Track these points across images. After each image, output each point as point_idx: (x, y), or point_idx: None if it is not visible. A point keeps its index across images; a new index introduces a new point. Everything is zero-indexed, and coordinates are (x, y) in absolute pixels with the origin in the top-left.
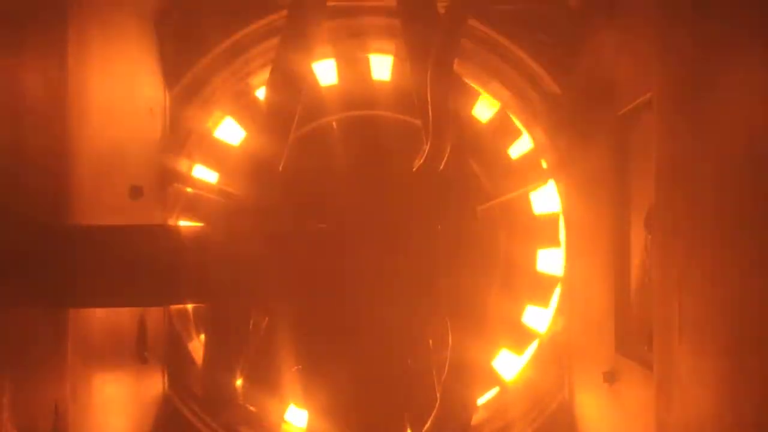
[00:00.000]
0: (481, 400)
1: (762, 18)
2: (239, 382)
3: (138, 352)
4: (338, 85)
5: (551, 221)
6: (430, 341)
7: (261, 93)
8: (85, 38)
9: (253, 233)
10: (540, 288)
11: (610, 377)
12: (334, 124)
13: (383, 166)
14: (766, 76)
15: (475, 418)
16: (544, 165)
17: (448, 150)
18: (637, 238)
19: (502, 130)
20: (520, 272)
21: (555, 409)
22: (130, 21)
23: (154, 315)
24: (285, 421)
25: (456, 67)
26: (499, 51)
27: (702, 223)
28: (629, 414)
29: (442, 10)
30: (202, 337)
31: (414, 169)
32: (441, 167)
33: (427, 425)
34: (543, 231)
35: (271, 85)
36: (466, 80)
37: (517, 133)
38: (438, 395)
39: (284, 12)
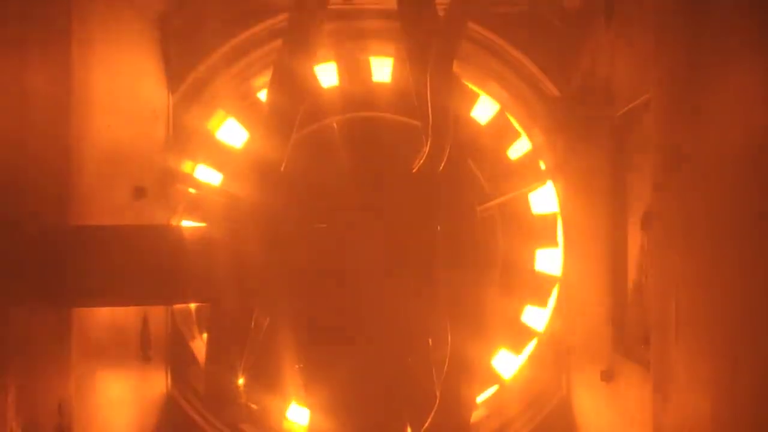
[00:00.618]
0: (480, 399)
1: (757, 20)
2: (241, 381)
3: (141, 350)
4: (339, 86)
5: (549, 222)
6: (430, 340)
7: (263, 95)
8: (89, 41)
9: (255, 233)
10: (538, 288)
11: (608, 376)
12: (335, 125)
13: (383, 167)
14: (761, 77)
15: (474, 416)
16: (543, 166)
17: (448, 151)
18: (635, 239)
19: (501, 131)
20: (519, 272)
21: (553, 408)
22: (133, 23)
23: (157, 314)
24: (287, 419)
25: (455, 69)
26: (498, 53)
27: (698, 223)
28: (626, 412)
29: (441, 13)
30: (205, 335)
31: (414, 170)
32: (440, 168)
33: (427, 423)
34: (541, 231)
35: (273, 86)
36: (466, 82)
37: (515, 135)
38: (437, 393)
39: (285, 15)
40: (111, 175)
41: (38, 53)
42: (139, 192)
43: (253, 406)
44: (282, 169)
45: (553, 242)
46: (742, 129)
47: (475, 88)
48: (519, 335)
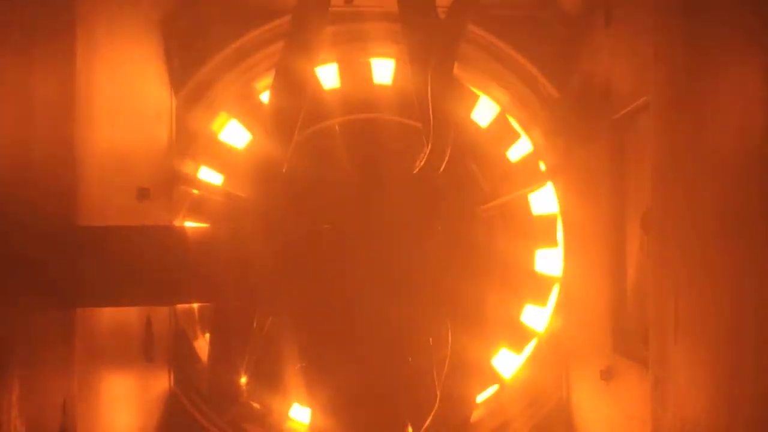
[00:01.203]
0: (481, 398)
1: (753, 24)
2: (244, 380)
3: (145, 350)
4: (341, 88)
5: (549, 222)
6: (431, 340)
7: (265, 96)
8: (93, 43)
9: (258, 234)
10: (538, 288)
11: (607, 375)
12: (336, 126)
13: (385, 168)
14: (758, 79)
15: (475, 415)
16: (543, 167)
17: (449, 152)
18: (634, 239)
19: (501, 132)
20: (519, 272)
21: (553, 407)
22: (137, 26)
23: (160, 314)
24: (289, 418)
25: (456, 71)
26: (499, 55)
27: (697, 223)
28: (626, 411)
29: (442, 16)
30: (208, 335)
31: (415, 171)
32: (441, 169)
33: (428, 422)
34: (541, 232)
35: (275, 88)
36: (466, 84)
37: (515, 136)
38: (438, 393)
39: (288, 17)
40: (115, 176)
41: (43, 58)
42: (143, 193)
43: (256, 405)
44: (284, 170)
45: (552, 242)
46: (740, 130)
47: (475, 90)
48: (519, 335)
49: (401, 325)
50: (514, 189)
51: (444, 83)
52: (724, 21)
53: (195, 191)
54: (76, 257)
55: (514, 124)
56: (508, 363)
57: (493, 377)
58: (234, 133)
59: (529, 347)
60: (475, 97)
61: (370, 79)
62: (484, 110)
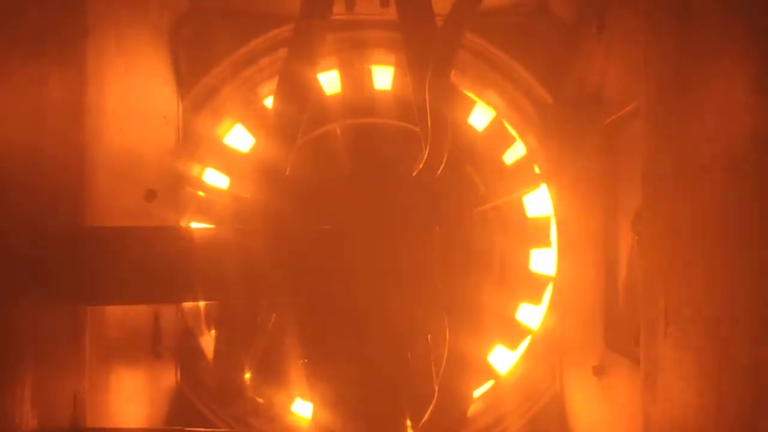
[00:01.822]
0: (477, 393)
1: (740, 32)
2: (248, 376)
3: (152, 346)
4: (342, 94)
5: (543, 223)
6: (429, 337)
7: (269, 101)
8: (103, 50)
9: (261, 234)
10: (533, 286)
11: (599, 371)
12: (338, 130)
13: (384, 171)
14: (743, 87)
15: (471, 410)
16: (537, 170)
17: (446, 156)
18: (625, 239)
19: (497, 137)
20: (514, 271)
21: (547, 401)
22: (145, 34)
23: (167, 312)
24: (291, 412)
25: (453, 77)
26: (494, 62)
27: (686, 224)
28: (617, 406)
29: (440, 24)
30: (213, 332)
31: (413, 174)
32: (439, 172)
33: (426, 416)
34: (535, 232)
35: (279, 94)
36: (463, 90)
37: (510, 140)
38: (436, 388)
39: (291, 25)
40: (123, 179)
41: (55, 63)
42: (151, 194)
43: (259, 400)
44: (287, 172)
45: (547, 243)
46: (726, 135)
47: (472, 96)
48: (514, 332)
49: (401, 323)
50: (509, 191)
51: (441, 89)
52: (713, 30)
53: (201, 193)
54: (86, 257)
55: (509, 128)
56: (503, 359)
57: (489, 373)
58: (239, 137)
59: (524, 344)
60: (472, 103)
61: (371, 84)
62: (480, 115)
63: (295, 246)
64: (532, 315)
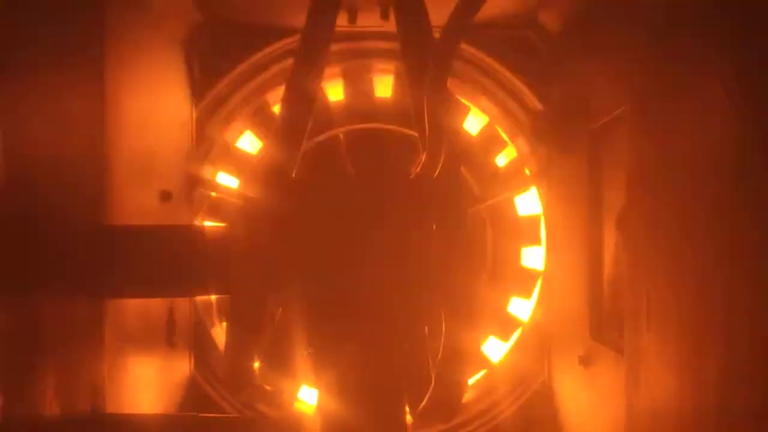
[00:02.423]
0: (471, 381)
1: (718, 43)
2: (257, 365)
3: (167, 337)
4: (345, 101)
5: (533, 222)
6: (426, 329)
7: (277, 108)
8: (121, 60)
9: (269, 232)
10: (523, 281)
11: (586, 361)
12: (341, 135)
13: (384, 173)
14: (721, 95)
15: (466, 397)
16: (527, 172)
17: (442, 159)
18: (610, 237)
19: (490, 141)
20: (506, 267)
21: (536, 389)
22: (161, 45)
23: (181, 305)
24: (298, 399)
25: (449, 85)
26: (488, 71)
27: (667, 223)
28: (602, 394)
29: (437, 35)
30: (224, 324)
31: (411, 176)
32: (435, 174)
33: (423, 403)
34: (526, 231)
35: (286, 101)
36: (459, 97)
37: (503, 144)
38: (433, 376)
39: (297, 37)
40: (140, 181)
41: (76, 73)
42: (166, 195)
43: (268, 388)
44: (293, 174)
45: (537, 240)
46: (704, 139)
47: (466, 102)
48: (506, 324)
49: (399, 315)
50: (501, 192)
51: (438, 96)
52: (692, 42)
53: (213, 194)
54: (106, 253)
55: (502, 133)
56: (495, 349)
57: (483, 362)
58: (249, 141)
59: (515, 335)
60: (467, 109)
61: (372, 92)
62: (474, 120)
63: (301, 243)
64: (522, 308)
